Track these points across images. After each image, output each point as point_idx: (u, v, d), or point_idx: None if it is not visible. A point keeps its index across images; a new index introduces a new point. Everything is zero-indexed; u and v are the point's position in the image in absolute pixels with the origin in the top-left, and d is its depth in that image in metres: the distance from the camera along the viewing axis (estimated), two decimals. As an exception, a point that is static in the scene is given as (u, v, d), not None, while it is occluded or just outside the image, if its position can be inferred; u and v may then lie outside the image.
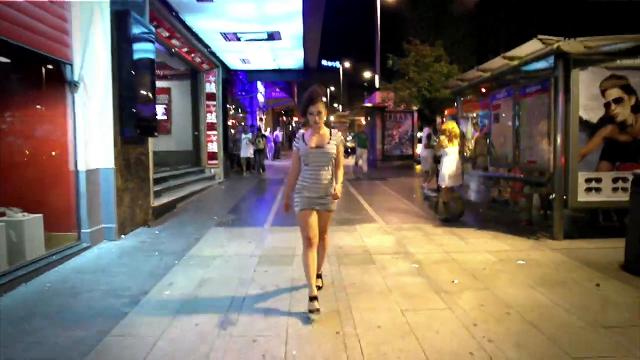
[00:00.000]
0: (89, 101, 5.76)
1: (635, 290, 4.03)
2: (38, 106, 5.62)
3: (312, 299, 3.55)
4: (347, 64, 52.82)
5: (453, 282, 4.30)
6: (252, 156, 15.37)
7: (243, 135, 15.38)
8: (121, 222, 6.25)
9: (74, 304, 3.89)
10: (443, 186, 7.12)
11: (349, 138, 24.59)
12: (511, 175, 7.29)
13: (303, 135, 3.67)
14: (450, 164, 6.95)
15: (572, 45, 5.54)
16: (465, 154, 8.51)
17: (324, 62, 62.04)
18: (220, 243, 5.94)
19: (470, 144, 9.16)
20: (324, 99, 3.62)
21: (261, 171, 15.39)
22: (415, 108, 16.38)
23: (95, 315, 3.61)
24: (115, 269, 4.86)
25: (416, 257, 5.14)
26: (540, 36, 5.64)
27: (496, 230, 6.44)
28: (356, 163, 14.33)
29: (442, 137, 7.08)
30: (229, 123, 16.26)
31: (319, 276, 4.02)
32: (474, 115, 10.30)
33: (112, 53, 6.04)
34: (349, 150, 20.45)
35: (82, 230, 5.70)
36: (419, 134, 17.38)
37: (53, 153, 5.59)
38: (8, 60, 5.25)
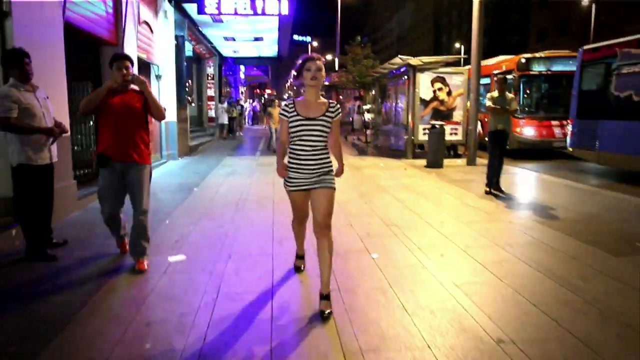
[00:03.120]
0: (164, 84, 10.85)
1: (417, 170, 9.64)
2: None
3: (299, 257, 3.72)
4: (315, 44, 57.35)
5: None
6: (227, 122, 18.56)
7: (219, 105, 18.66)
8: (179, 152, 11.45)
9: (181, 177, 9.18)
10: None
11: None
12: (393, 129, 12.85)
13: (294, 102, 3.03)
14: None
15: (415, 61, 11.02)
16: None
17: (296, 37, 66.46)
18: (234, 161, 11.30)
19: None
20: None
21: (237, 134, 19.88)
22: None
23: (194, 177, 8.90)
24: (189, 168, 10.15)
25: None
26: (400, 56, 11.10)
27: (385, 157, 12.02)
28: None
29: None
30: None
31: (325, 297, 2.96)
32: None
33: (175, 59, 11.11)
34: None
35: (163, 153, 10.89)
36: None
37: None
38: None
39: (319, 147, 3.03)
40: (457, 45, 47.70)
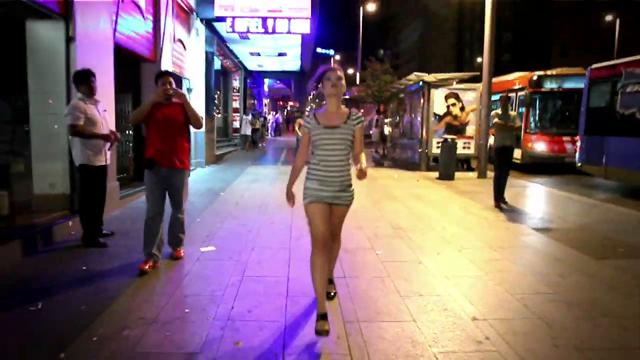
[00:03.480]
0: (195, 97, 11.70)
1: (429, 182, 10.14)
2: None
3: (321, 316, 2.83)
4: (338, 57, 58.40)
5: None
6: (250, 134, 19.25)
7: (244, 117, 19.44)
8: (206, 160, 12.26)
9: (208, 183, 9.93)
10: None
11: None
12: (408, 142, 13.38)
13: (315, 113, 3.08)
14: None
15: (429, 78, 11.59)
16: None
17: (319, 50, 67.82)
18: (257, 169, 12.03)
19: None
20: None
21: (260, 145, 20.76)
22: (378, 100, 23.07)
23: (220, 183, 9.63)
24: (216, 175, 10.91)
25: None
26: (415, 73, 11.69)
27: (400, 169, 12.55)
28: None
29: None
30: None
31: (330, 281, 3.40)
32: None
33: (205, 72, 11.98)
34: None
35: (191, 161, 11.67)
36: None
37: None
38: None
39: (340, 158, 2.98)
40: (479, 60, 47.92)
